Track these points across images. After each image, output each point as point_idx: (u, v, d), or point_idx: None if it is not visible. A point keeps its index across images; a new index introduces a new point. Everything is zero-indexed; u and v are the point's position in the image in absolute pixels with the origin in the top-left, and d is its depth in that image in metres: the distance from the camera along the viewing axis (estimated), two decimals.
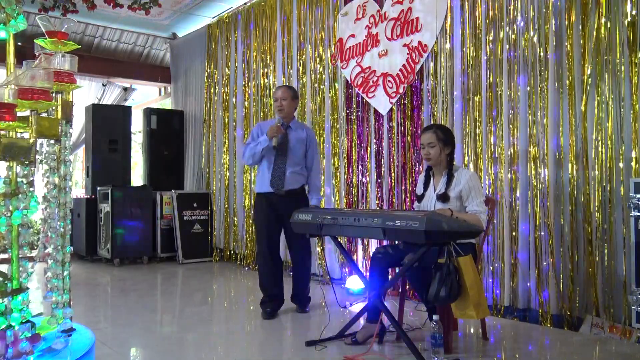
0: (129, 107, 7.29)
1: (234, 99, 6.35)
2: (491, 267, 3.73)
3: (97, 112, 6.78)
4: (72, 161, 1.99)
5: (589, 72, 3.28)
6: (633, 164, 3.08)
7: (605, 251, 3.21)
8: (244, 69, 6.22)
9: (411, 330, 3.24)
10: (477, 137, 3.85)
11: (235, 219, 6.26)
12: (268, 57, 5.84)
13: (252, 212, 5.18)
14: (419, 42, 4.28)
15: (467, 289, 2.57)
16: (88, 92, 7.96)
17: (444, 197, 2.95)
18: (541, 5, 3.51)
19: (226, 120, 6.49)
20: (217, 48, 6.68)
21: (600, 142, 3.24)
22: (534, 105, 3.54)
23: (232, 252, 6.39)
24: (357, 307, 3.88)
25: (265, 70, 5.88)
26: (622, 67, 3.14)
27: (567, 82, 3.38)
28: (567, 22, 3.39)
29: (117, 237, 6.07)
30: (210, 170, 6.75)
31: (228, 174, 6.44)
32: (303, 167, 3.79)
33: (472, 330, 3.31)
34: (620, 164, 3.15)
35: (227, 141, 6.48)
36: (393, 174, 4.49)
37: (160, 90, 8.76)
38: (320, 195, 3.92)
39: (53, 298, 1.89)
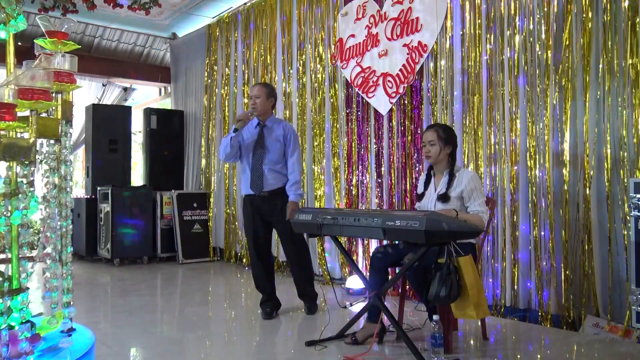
0: (129, 107, 7.30)
1: (234, 99, 6.35)
2: (491, 267, 3.73)
3: (97, 112, 6.79)
4: (72, 161, 1.99)
5: (589, 72, 3.28)
6: (633, 164, 3.07)
7: (606, 251, 3.21)
8: (244, 69, 6.22)
9: (411, 330, 3.24)
10: (477, 137, 3.85)
11: (235, 218, 6.26)
12: (268, 57, 5.84)
13: None
14: (419, 42, 4.27)
15: (467, 289, 2.58)
16: (88, 92, 7.96)
17: (444, 198, 2.95)
18: (541, 5, 3.51)
19: (226, 120, 6.49)
20: (217, 48, 6.68)
21: (600, 142, 3.24)
22: (533, 105, 3.54)
23: (232, 252, 6.39)
24: (357, 307, 3.88)
25: (266, 70, 5.88)
26: (623, 68, 3.14)
27: (567, 82, 3.38)
28: (567, 22, 3.39)
29: (117, 237, 6.07)
30: (210, 170, 6.75)
31: (228, 174, 6.44)
32: (284, 165, 3.70)
33: (472, 330, 3.31)
34: (620, 164, 3.14)
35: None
36: (393, 174, 4.49)
37: (160, 90, 8.76)
38: (300, 190, 3.70)
39: (51, 298, 1.89)
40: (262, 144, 3.69)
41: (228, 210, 6.39)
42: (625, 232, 3.08)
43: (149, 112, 7.05)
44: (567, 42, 3.38)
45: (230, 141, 3.63)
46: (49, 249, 1.91)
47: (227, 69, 6.50)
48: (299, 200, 3.72)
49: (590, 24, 3.28)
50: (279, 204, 3.65)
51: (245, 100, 6.15)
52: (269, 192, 3.66)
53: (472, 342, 3.12)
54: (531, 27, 3.56)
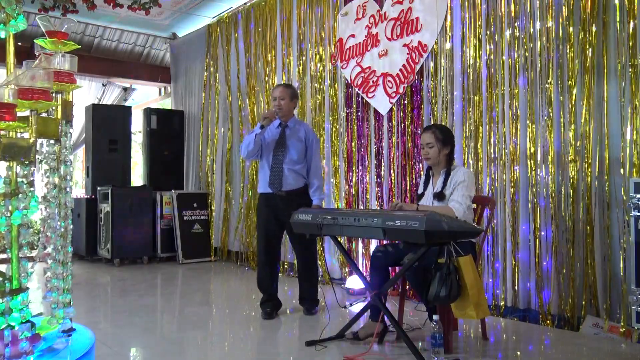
0: (129, 107, 7.30)
1: (234, 99, 6.35)
2: (491, 267, 3.73)
3: (97, 112, 6.78)
4: (72, 161, 1.99)
5: (589, 71, 3.28)
6: (633, 164, 3.07)
7: (605, 251, 3.21)
8: (244, 69, 6.21)
9: (411, 330, 3.24)
10: (477, 137, 3.85)
11: (235, 218, 6.26)
12: (268, 57, 5.84)
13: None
14: (419, 42, 4.28)
15: (467, 288, 2.58)
16: (88, 92, 7.96)
17: (439, 196, 2.97)
18: (541, 5, 3.51)
19: (226, 119, 6.49)
20: (217, 48, 6.68)
21: (600, 142, 3.24)
22: (534, 105, 3.54)
23: (232, 252, 6.39)
24: (357, 307, 3.88)
25: (266, 70, 5.87)
26: (623, 67, 3.14)
27: (567, 82, 3.38)
28: (567, 22, 3.39)
29: (117, 237, 6.07)
30: (210, 170, 6.75)
31: (228, 174, 6.44)
32: (303, 166, 3.74)
33: (472, 330, 3.31)
34: (620, 164, 3.15)
35: (226, 141, 6.48)
36: (393, 174, 4.49)
37: (160, 90, 8.76)
38: (323, 195, 3.82)
39: (53, 298, 1.89)
40: (283, 143, 3.72)
41: (227, 211, 6.39)
42: (626, 232, 3.08)
43: (149, 112, 7.05)
44: (567, 42, 3.38)
45: (254, 138, 3.66)
46: (49, 249, 1.91)
47: (227, 69, 6.49)
48: (322, 203, 3.75)
49: (590, 23, 3.28)
50: (295, 205, 3.62)
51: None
52: (287, 191, 3.67)
53: (472, 342, 3.13)
54: (531, 27, 3.56)
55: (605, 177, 3.22)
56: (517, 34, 3.64)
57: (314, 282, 3.84)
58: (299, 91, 5.37)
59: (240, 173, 6.20)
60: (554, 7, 3.45)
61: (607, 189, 3.21)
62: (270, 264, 3.78)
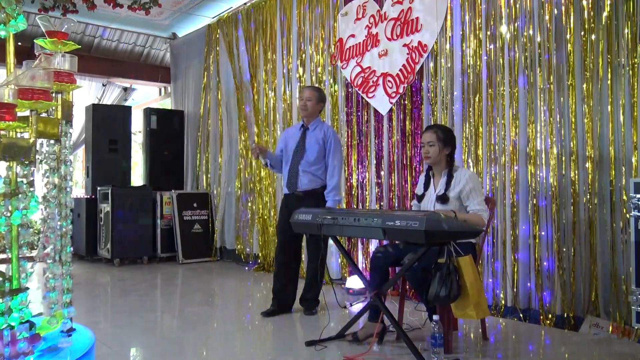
0: (129, 107, 7.30)
1: (234, 99, 6.35)
2: (491, 267, 3.73)
3: (97, 112, 6.79)
4: (72, 161, 1.99)
5: (589, 71, 3.28)
6: (633, 164, 3.07)
7: (606, 251, 3.21)
8: (244, 69, 6.21)
9: (411, 330, 3.24)
10: (477, 137, 3.85)
11: (235, 218, 6.26)
12: (268, 57, 5.84)
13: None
14: (419, 42, 4.27)
15: (467, 289, 2.58)
16: (88, 92, 7.96)
17: (443, 198, 2.96)
18: (541, 5, 3.51)
19: (226, 119, 6.48)
20: (218, 48, 6.67)
21: (600, 142, 3.24)
22: (534, 105, 3.54)
23: (232, 252, 6.38)
24: (357, 307, 3.88)
25: (266, 70, 5.87)
26: (623, 68, 3.14)
27: (567, 82, 3.38)
28: (567, 22, 3.39)
29: (117, 237, 6.07)
30: (210, 170, 6.75)
31: (228, 174, 6.44)
32: (320, 167, 3.73)
33: (472, 330, 3.31)
34: (621, 164, 3.14)
35: (226, 141, 6.48)
36: (393, 174, 4.49)
37: (160, 90, 8.75)
38: (338, 197, 3.77)
39: (52, 298, 1.89)
40: (302, 145, 3.75)
41: (228, 210, 6.38)
42: (626, 232, 3.08)
43: (149, 112, 7.05)
44: (568, 42, 3.38)
45: (264, 165, 3.96)
46: (49, 249, 1.91)
47: (227, 69, 6.49)
48: (335, 206, 3.73)
49: (590, 23, 3.27)
50: (311, 206, 3.62)
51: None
52: (303, 192, 3.70)
53: (472, 342, 3.12)
54: (531, 27, 3.56)
55: (605, 177, 3.22)
56: (517, 34, 3.64)
57: (317, 286, 3.82)
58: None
59: (239, 172, 6.19)
60: (554, 7, 3.45)
61: (607, 188, 3.21)
62: (285, 264, 3.78)
